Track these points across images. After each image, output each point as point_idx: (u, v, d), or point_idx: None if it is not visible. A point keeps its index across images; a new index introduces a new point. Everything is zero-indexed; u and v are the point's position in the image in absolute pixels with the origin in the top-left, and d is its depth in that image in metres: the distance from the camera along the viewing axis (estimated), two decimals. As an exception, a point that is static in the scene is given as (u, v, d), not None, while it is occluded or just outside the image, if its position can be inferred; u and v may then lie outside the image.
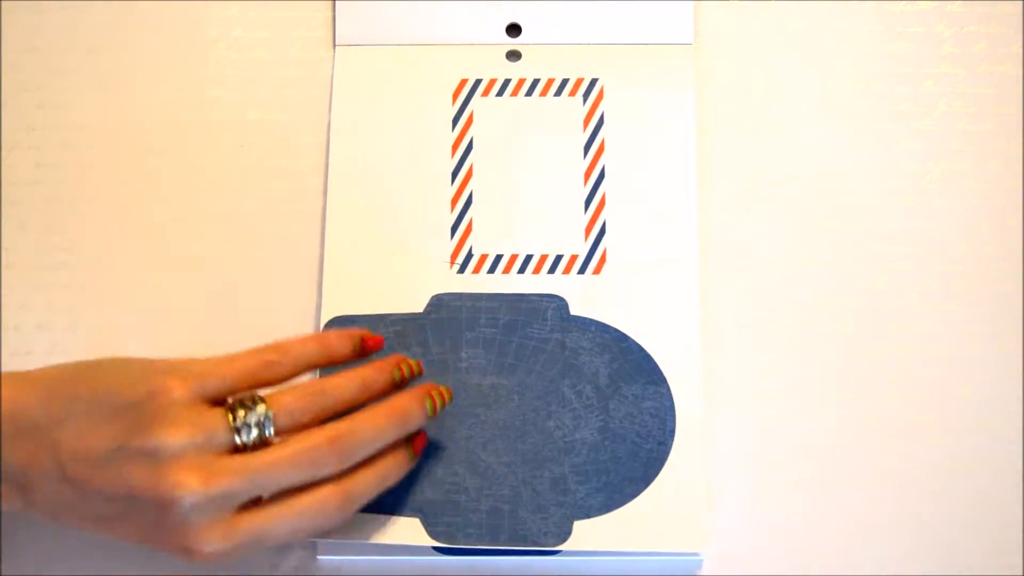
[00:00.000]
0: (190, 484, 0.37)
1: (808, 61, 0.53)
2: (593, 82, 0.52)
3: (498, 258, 0.49)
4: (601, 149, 0.51)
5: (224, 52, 0.54)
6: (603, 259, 0.49)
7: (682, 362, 0.48)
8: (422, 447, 0.44)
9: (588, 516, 0.45)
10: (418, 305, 0.48)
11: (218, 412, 0.38)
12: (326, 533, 0.43)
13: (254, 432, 0.38)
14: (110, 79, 0.53)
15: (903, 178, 0.51)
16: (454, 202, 0.50)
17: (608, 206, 0.50)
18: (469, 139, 0.51)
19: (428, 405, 0.43)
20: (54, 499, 0.39)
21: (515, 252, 0.50)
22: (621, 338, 0.48)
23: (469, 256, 0.49)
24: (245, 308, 0.50)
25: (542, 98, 0.52)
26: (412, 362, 0.45)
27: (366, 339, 0.44)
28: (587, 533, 0.45)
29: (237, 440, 0.38)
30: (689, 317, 0.48)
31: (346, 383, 0.42)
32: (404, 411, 0.42)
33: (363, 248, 0.50)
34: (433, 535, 0.45)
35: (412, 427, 0.43)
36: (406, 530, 0.45)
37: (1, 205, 0.51)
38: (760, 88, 0.53)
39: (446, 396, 0.44)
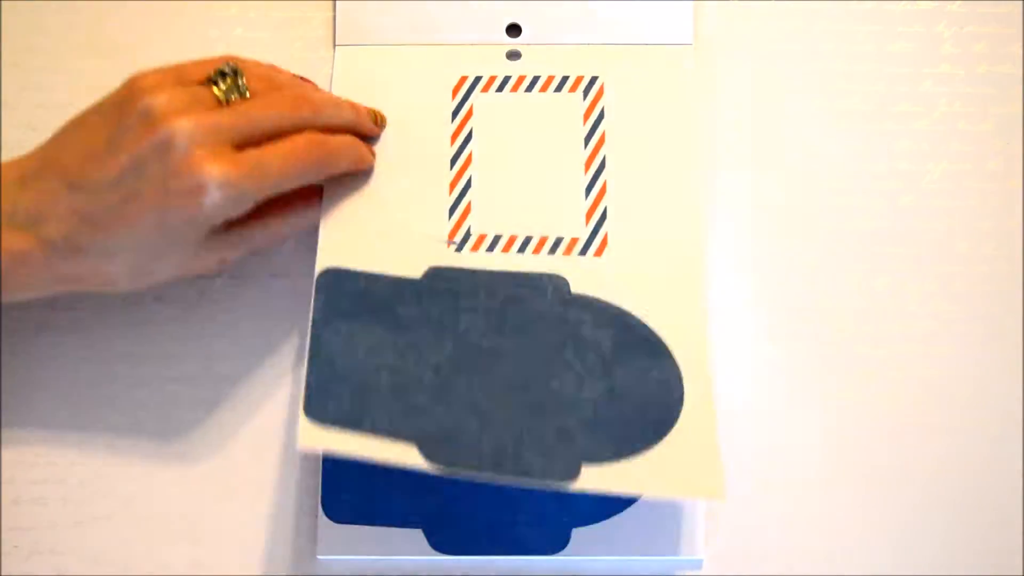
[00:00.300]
0: (181, 120, 0.40)
1: (808, 61, 0.53)
2: (593, 80, 0.52)
3: (497, 238, 0.49)
4: (601, 141, 0.51)
5: (224, 52, 0.53)
6: (604, 242, 0.49)
7: (689, 336, 0.46)
8: (371, 154, 0.49)
9: (597, 462, 0.43)
10: (415, 274, 0.48)
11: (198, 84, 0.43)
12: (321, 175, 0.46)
13: (232, 91, 0.43)
14: (110, 79, 0.53)
15: (903, 178, 0.51)
16: (452, 186, 0.50)
17: (609, 194, 0.49)
18: (469, 130, 0.51)
19: (375, 116, 0.49)
20: (66, 218, 0.41)
21: (514, 233, 0.49)
22: (624, 315, 0.47)
23: (467, 235, 0.49)
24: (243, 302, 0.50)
25: (542, 94, 0.52)
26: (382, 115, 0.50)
27: (378, 116, 0.50)
28: (596, 476, 0.43)
29: (215, 91, 0.43)
30: (696, 296, 0.47)
31: (339, 101, 0.48)
32: (362, 108, 0.49)
33: (361, 215, 0.49)
34: (430, 459, 0.42)
35: (365, 121, 0.49)
36: (403, 455, 0.42)
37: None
38: (760, 88, 0.53)
39: (381, 118, 0.50)
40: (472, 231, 0.49)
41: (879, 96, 0.53)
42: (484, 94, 0.52)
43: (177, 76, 0.43)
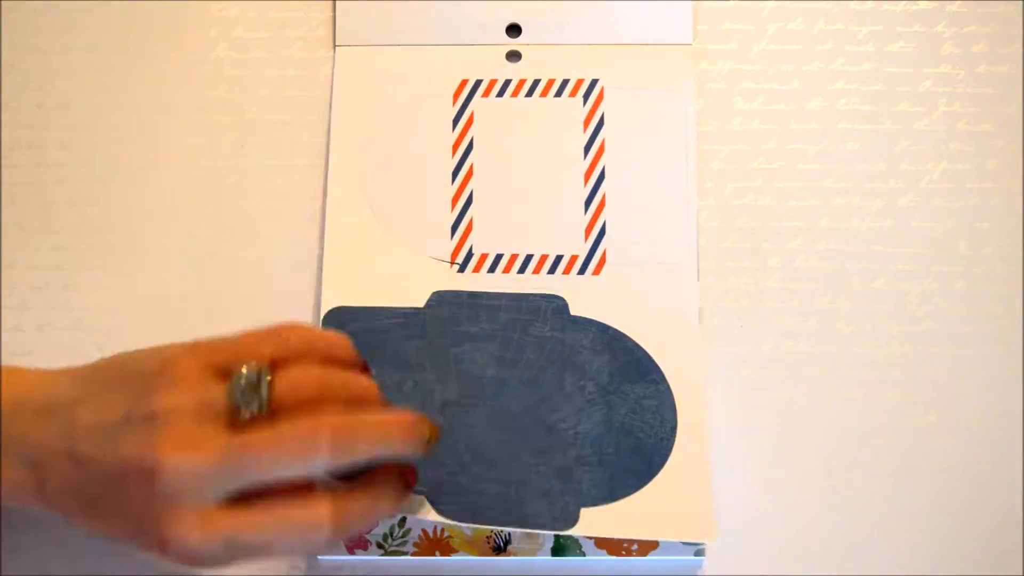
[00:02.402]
0: (178, 453, 0.36)
1: (808, 61, 0.53)
2: (593, 83, 0.52)
3: (498, 257, 0.49)
4: (601, 150, 0.51)
5: (224, 52, 0.54)
6: (603, 260, 0.49)
7: (682, 362, 0.48)
8: (415, 480, 0.41)
9: (594, 504, 0.45)
10: (418, 300, 0.48)
11: (220, 378, 0.38)
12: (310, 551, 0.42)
13: (252, 399, 0.37)
14: (110, 79, 0.53)
15: (903, 178, 0.51)
16: (454, 201, 0.50)
17: (608, 206, 0.50)
18: (469, 139, 0.51)
19: (426, 431, 0.40)
20: (61, 483, 0.38)
21: (515, 252, 0.50)
22: (621, 338, 0.48)
23: (469, 255, 0.49)
24: (245, 308, 0.50)
25: (542, 99, 0.52)
26: (434, 427, 0.41)
27: (432, 431, 0.41)
28: (594, 520, 0.45)
29: (236, 405, 0.37)
30: (689, 317, 0.48)
31: (356, 375, 0.40)
32: (407, 425, 0.39)
33: (363, 244, 0.50)
34: (439, 511, 0.44)
35: (410, 445, 0.39)
36: (417, 507, 0.44)
37: (1, 205, 0.51)
38: (760, 88, 0.53)
39: (437, 432, 0.41)
40: (474, 251, 0.49)
41: (879, 96, 0.53)
42: (484, 99, 0.52)
43: (208, 359, 0.38)
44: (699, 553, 0.46)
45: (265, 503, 0.36)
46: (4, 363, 0.48)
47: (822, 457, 0.48)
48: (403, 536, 0.46)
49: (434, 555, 0.46)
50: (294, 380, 0.38)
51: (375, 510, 0.39)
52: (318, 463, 0.36)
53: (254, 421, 0.37)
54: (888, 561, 0.47)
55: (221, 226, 0.51)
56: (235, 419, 0.37)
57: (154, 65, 0.53)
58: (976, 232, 0.51)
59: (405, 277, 0.48)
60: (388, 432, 0.38)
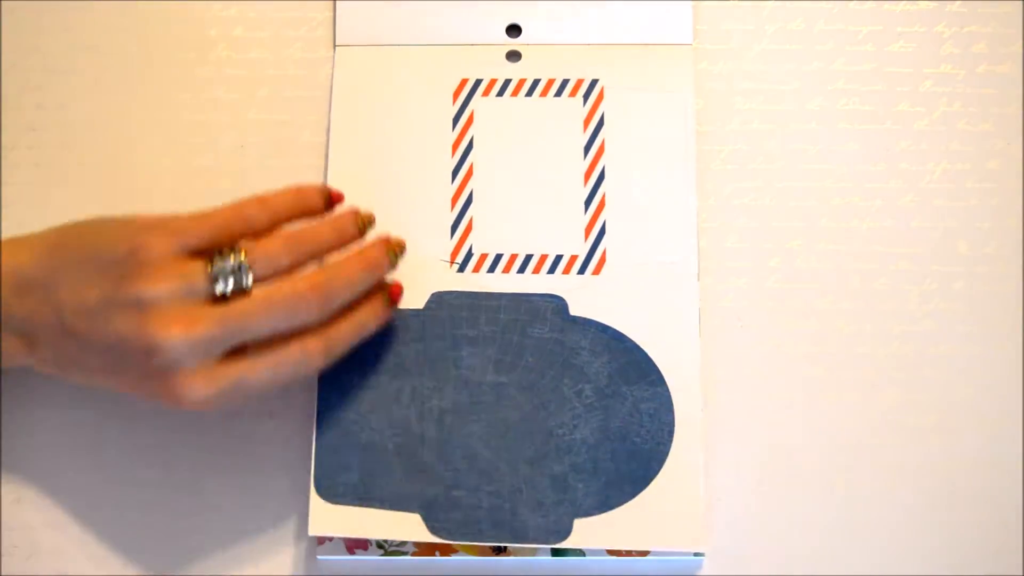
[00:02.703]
0: (172, 332, 0.39)
1: (808, 61, 0.53)
2: (593, 83, 0.52)
3: (498, 257, 0.49)
4: (601, 150, 0.51)
5: (224, 52, 0.54)
6: (603, 260, 0.49)
7: (681, 363, 0.47)
8: (399, 294, 0.47)
9: (588, 515, 0.45)
10: (418, 302, 0.48)
11: (198, 263, 0.40)
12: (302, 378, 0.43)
13: (231, 280, 0.40)
14: (110, 79, 0.53)
15: (903, 178, 0.51)
16: (454, 201, 0.50)
17: (608, 207, 0.50)
18: (469, 138, 0.51)
19: (390, 253, 0.45)
20: (56, 352, 0.42)
21: (515, 252, 0.50)
22: (620, 339, 0.48)
23: (469, 255, 0.49)
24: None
25: (543, 99, 0.52)
26: (365, 213, 0.46)
27: (332, 192, 0.46)
28: (587, 531, 0.45)
29: (216, 289, 0.40)
30: (688, 318, 0.48)
31: (320, 227, 0.44)
32: (373, 258, 0.44)
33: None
34: (434, 531, 0.45)
35: (381, 273, 0.45)
36: (406, 526, 0.45)
37: (1, 204, 0.51)
38: (760, 88, 0.53)
39: (403, 244, 0.46)
40: (474, 250, 0.49)
41: (879, 96, 0.53)
42: (484, 98, 0.52)
43: (180, 242, 0.40)
44: (699, 553, 0.46)
45: (260, 348, 0.41)
46: (4, 363, 0.48)
47: (822, 457, 0.48)
48: (403, 536, 0.46)
49: (434, 555, 0.46)
50: (268, 253, 0.41)
51: (362, 327, 0.44)
52: (305, 318, 0.41)
53: (235, 294, 0.40)
54: (888, 561, 0.47)
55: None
56: (216, 297, 0.40)
57: (154, 65, 0.53)
58: (976, 232, 0.51)
59: (405, 277, 0.48)
60: (360, 269, 0.44)
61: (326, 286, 0.42)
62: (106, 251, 0.40)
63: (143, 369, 0.40)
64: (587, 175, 0.51)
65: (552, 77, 0.52)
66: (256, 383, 0.41)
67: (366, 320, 0.44)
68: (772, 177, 0.52)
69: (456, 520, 0.45)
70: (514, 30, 0.53)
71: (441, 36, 0.53)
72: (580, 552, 0.46)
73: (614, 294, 0.49)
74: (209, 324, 0.39)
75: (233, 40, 0.54)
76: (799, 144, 0.52)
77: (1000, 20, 0.53)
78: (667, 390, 0.47)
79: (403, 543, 0.46)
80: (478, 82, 0.52)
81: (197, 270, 0.40)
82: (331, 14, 0.54)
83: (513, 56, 0.53)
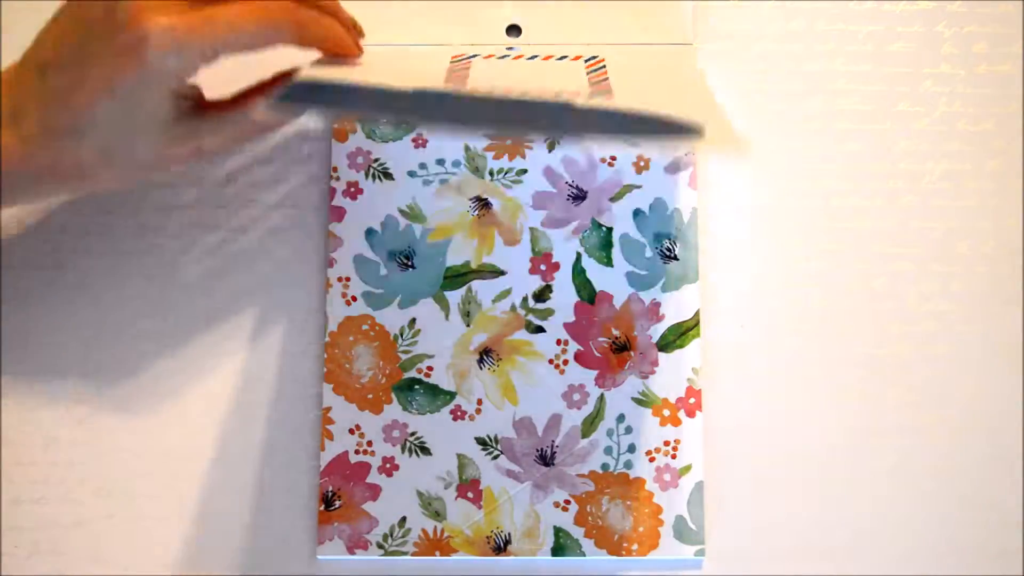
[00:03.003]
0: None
1: (808, 61, 0.53)
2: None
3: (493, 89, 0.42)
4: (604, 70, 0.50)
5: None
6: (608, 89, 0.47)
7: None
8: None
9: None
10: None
11: None
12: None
13: None
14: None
15: (903, 178, 0.51)
16: (451, 61, 0.48)
17: (610, 72, 0.49)
18: (466, 66, 0.48)
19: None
20: (39, 108, 0.41)
21: (511, 87, 0.41)
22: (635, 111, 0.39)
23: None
24: (246, 310, 0.50)
25: (544, 62, 0.51)
26: None
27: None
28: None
29: None
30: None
31: None
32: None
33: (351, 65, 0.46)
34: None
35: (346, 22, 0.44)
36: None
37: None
38: (760, 88, 0.53)
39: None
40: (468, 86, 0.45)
41: (879, 96, 0.53)
42: (484, 60, 0.50)
43: None
44: (699, 553, 0.46)
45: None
46: (4, 363, 0.48)
47: (822, 457, 0.48)
48: (403, 536, 0.46)
49: (434, 555, 0.46)
50: None
51: (333, 27, 0.43)
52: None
53: None
54: (887, 561, 0.47)
55: (221, 226, 0.51)
56: None
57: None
58: (976, 232, 0.51)
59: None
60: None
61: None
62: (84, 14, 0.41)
63: (109, 31, 0.39)
64: (588, 66, 0.50)
65: (551, 54, 0.52)
66: (227, 22, 0.40)
67: (337, 29, 0.43)
68: (773, 177, 0.52)
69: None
70: (514, 30, 0.53)
71: (441, 36, 0.53)
72: (580, 551, 0.46)
73: (623, 102, 0.40)
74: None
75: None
76: (799, 144, 0.52)
77: (1000, 20, 0.53)
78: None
79: (403, 542, 0.46)
80: (475, 55, 0.52)
81: None
82: (331, 14, 0.54)
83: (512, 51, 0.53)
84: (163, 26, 0.39)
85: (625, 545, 0.46)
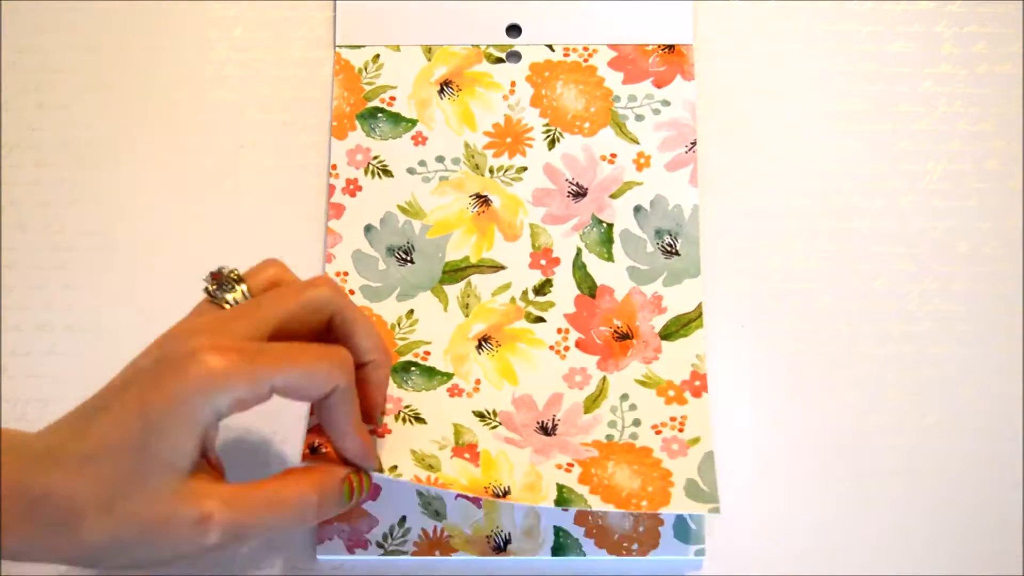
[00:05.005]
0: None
1: (808, 61, 0.53)
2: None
3: None
4: None
5: (224, 52, 0.54)
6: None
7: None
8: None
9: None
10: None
11: None
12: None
13: (236, 289, 0.41)
14: (110, 79, 0.53)
15: (903, 178, 0.51)
16: None
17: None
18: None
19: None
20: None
21: None
22: None
23: None
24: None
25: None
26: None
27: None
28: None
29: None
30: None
31: None
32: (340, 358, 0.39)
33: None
34: None
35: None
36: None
37: (1, 205, 0.51)
38: (760, 88, 0.53)
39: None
40: None
41: (879, 96, 0.53)
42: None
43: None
44: (699, 553, 0.46)
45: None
46: (4, 363, 0.48)
47: (822, 457, 0.48)
48: (403, 536, 0.46)
49: (434, 555, 0.46)
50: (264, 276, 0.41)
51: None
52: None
53: None
54: (888, 561, 0.47)
55: (221, 226, 0.51)
56: None
57: (154, 65, 0.54)
58: (976, 232, 0.51)
59: None
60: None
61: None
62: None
63: (155, 358, 0.37)
64: None
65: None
66: (279, 374, 0.37)
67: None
68: (772, 177, 0.52)
69: None
70: (514, 30, 0.53)
71: (441, 36, 0.53)
72: (580, 551, 0.46)
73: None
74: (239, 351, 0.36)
75: (233, 40, 0.54)
76: (799, 144, 0.52)
77: (1000, 20, 0.53)
78: None
79: (403, 542, 0.46)
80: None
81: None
82: (331, 14, 0.54)
83: (513, 57, 0.53)
84: (217, 365, 0.35)
85: (625, 545, 0.46)
